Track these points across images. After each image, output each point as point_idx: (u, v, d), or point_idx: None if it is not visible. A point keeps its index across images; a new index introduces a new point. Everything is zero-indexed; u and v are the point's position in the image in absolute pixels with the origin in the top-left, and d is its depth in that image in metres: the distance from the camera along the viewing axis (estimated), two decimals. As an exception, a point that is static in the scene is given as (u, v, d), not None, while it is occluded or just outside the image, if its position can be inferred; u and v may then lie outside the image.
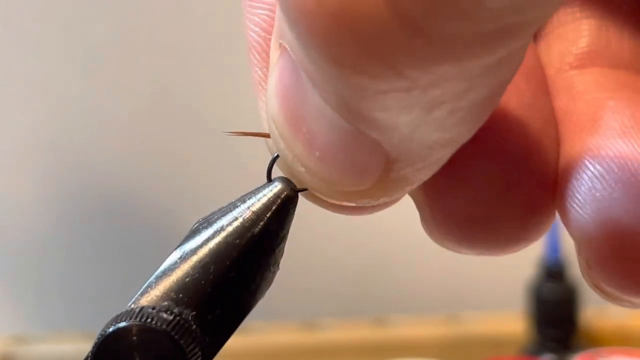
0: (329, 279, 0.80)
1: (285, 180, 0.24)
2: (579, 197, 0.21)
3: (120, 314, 0.22)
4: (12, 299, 0.81)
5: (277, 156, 0.23)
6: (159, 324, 0.22)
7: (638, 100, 0.21)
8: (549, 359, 0.71)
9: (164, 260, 0.24)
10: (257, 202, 0.24)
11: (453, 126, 0.19)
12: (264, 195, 0.25)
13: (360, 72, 0.17)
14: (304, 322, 0.78)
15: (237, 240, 0.24)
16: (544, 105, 0.22)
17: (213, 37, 0.77)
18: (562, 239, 0.71)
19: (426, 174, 0.20)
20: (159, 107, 0.78)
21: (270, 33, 0.22)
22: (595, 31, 0.23)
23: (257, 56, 0.24)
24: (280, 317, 0.78)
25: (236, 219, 0.24)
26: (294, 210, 0.25)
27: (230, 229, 0.24)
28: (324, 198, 0.23)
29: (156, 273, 0.24)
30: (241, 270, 0.24)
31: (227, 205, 0.25)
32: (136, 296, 0.23)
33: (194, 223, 0.25)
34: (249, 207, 0.24)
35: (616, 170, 0.20)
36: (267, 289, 0.24)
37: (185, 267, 0.24)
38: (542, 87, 0.22)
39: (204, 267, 0.24)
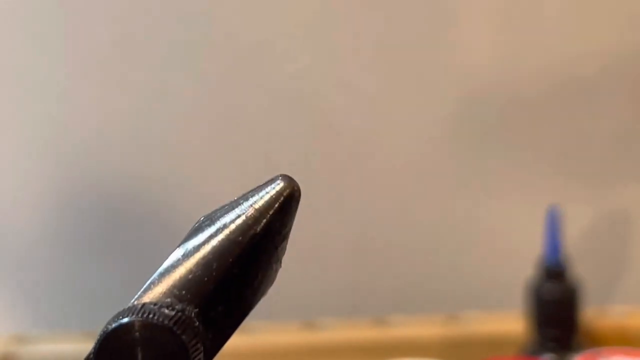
0: (329, 279, 0.80)
1: (288, 178, 0.24)
2: None
3: (123, 310, 0.22)
4: (12, 299, 0.81)
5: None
6: (161, 319, 0.22)
7: None
8: (549, 359, 0.71)
9: (167, 258, 0.24)
10: (259, 200, 0.24)
11: None
12: (267, 192, 0.25)
13: None
14: (304, 322, 0.79)
15: (240, 238, 0.24)
16: None
17: (213, 36, 0.77)
18: (562, 239, 0.71)
19: None
20: (160, 105, 0.78)
21: None
22: None
23: None
24: (280, 317, 0.78)
25: (239, 216, 0.25)
26: (297, 208, 0.25)
27: (233, 226, 0.24)
28: None
29: (159, 270, 0.24)
30: (244, 268, 0.24)
31: (230, 203, 0.25)
32: (139, 293, 0.23)
33: (197, 220, 0.25)
34: (251, 205, 0.24)
35: None
36: (270, 286, 0.25)
37: (188, 264, 0.24)
38: None
39: (206, 264, 0.24)
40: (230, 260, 0.24)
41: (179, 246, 0.25)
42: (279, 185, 0.25)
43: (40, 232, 0.80)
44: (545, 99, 0.77)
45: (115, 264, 0.80)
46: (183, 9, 0.77)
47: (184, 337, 0.22)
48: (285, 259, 0.26)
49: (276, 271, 0.25)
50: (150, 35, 0.77)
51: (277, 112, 0.78)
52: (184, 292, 0.24)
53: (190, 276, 0.24)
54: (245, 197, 0.25)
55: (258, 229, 0.24)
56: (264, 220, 0.24)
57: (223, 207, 0.25)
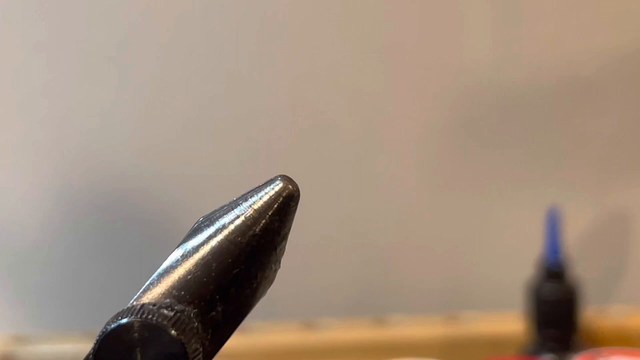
0: (329, 279, 0.80)
1: (287, 179, 0.24)
2: None
3: (123, 310, 0.22)
4: (12, 299, 0.81)
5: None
6: (160, 320, 0.22)
7: None
8: (549, 359, 0.71)
9: (166, 258, 0.24)
10: (258, 200, 0.24)
11: None
12: (266, 193, 0.25)
13: None
14: (304, 322, 0.79)
15: (239, 238, 0.24)
16: None
17: (213, 36, 0.77)
18: (562, 239, 0.71)
19: None
20: (160, 106, 0.78)
21: None
22: None
23: None
24: (280, 317, 0.78)
25: (238, 217, 0.24)
26: (296, 209, 0.25)
27: (232, 226, 0.24)
28: None
29: (158, 270, 0.24)
30: (243, 268, 0.24)
31: (229, 203, 0.25)
32: (138, 293, 0.23)
33: (196, 221, 0.25)
34: (250, 205, 0.24)
35: None
36: (269, 286, 0.25)
37: (187, 264, 0.24)
38: None
39: (205, 264, 0.24)
40: (230, 260, 0.24)
41: (178, 247, 0.25)
42: (278, 185, 0.25)
43: (40, 232, 0.80)
44: (544, 99, 0.77)
45: (115, 264, 0.80)
46: (183, 9, 0.77)
47: (182, 337, 0.22)
48: (285, 259, 0.26)
49: (275, 272, 0.25)
50: (151, 35, 0.77)
51: (277, 112, 0.78)
52: (183, 292, 0.24)
53: (189, 277, 0.24)
54: (244, 197, 0.25)
55: (257, 230, 0.24)
56: (263, 221, 0.24)
57: (222, 207, 0.25)
